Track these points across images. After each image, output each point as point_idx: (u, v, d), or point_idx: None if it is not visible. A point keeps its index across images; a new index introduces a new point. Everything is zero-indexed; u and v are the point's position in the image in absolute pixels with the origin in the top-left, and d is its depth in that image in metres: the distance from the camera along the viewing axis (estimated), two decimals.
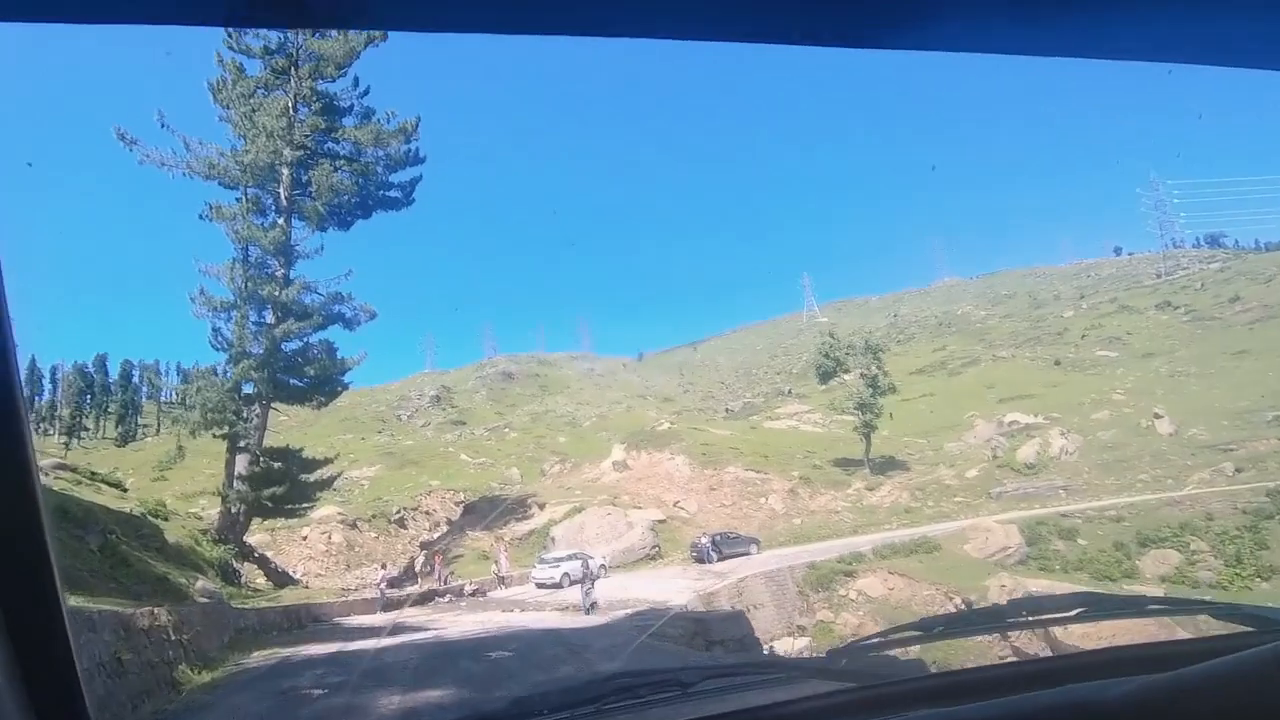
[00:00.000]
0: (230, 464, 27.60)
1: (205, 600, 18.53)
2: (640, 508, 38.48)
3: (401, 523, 44.90)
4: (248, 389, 27.79)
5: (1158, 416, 41.96)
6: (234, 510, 26.96)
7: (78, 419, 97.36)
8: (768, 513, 39.96)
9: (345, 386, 31.41)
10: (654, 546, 34.34)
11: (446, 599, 26.72)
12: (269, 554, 35.67)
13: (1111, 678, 1.00)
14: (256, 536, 39.92)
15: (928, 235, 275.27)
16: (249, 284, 27.01)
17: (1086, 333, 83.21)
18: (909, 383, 65.53)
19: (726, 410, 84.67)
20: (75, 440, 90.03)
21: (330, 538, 40.92)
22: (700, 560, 31.09)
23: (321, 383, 29.89)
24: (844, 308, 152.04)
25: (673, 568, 31.49)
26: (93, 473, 28.62)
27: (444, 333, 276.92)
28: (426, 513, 47.09)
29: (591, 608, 18.08)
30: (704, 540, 31.65)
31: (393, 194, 33.56)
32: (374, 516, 44.31)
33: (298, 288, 28.00)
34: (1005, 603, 1.85)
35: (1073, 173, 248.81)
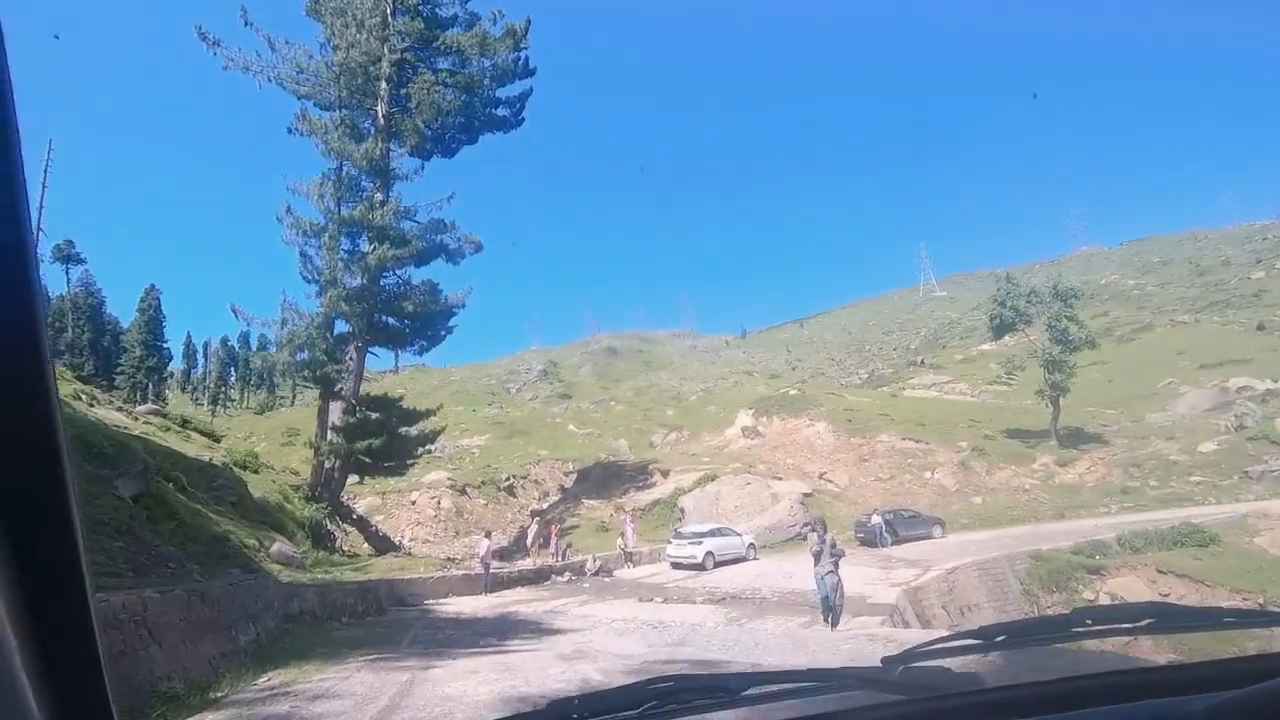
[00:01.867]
0: (323, 412, 24.15)
1: (279, 565, 14.71)
2: (780, 478, 32.74)
3: (511, 490, 42.19)
4: (341, 328, 24.22)
5: None
6: (327, 464, 23.48)
7: (221, 389, 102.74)
8: (935, 489, 33.12)
9: (449, 330, 27.25)
10: (805, 524, 28.50)
11: (565, 578, 22.21)
12: (373, 517, 32.95)
13: (1187, 694, 0.94)
14: (366, 500, 37.94)
15: (1058, 205, 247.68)
16: (341, 204, 23.31)
17: None
18: None
19: (841, 385, 77.10)
20: (221, 409, 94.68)
21: (440, 503, 38.65)
22: (868, 543, 25.19)
23: (424, 324, 26.02)
24: (963, 281, 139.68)
25: None
26: (184, 420, 26.37)
27: (550, 311, 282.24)
28: (536, 481, 44.20)
29: (836, 615, 11.41)
30: (875, 518, 25.60)
31: (500, 112, 29.29)
32: (483, 483, 42.23)
33: (393, 209, 24.00)
34: (1070, 611, 1.53)
35: (1232, 128, 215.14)
